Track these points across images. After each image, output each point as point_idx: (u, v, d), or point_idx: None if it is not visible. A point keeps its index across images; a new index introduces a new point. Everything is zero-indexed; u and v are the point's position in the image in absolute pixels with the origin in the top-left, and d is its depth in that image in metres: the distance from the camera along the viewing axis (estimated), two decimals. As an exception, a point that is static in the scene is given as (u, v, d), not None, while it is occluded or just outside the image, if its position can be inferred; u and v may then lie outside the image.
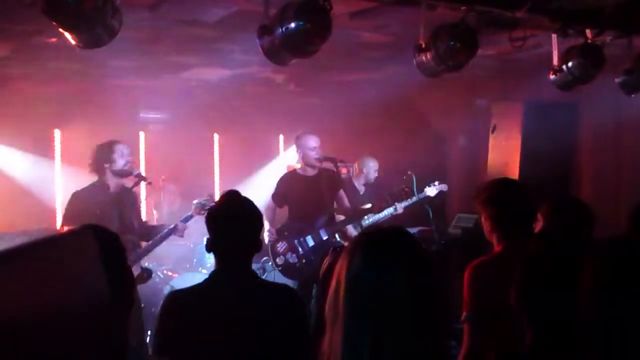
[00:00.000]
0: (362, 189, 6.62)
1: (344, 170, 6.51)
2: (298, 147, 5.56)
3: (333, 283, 1.46)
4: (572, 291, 1.70)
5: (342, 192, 5.60)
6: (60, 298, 0.71)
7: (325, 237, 5.43)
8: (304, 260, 5.40)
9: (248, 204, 2.55)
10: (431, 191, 6.19)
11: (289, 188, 5.62)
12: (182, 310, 2.41)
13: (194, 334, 2.34)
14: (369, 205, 5.88)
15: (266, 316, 2.39)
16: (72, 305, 0.74)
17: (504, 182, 3.09)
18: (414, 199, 6.07)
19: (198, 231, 7.21)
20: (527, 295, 1.76)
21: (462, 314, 2.71)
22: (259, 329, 2.37)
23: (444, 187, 6.24)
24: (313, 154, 5.42)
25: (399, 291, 1.38)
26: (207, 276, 2.53)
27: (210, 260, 6.65)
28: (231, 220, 2.48)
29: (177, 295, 2.53)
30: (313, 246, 5.40)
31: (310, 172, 5.53)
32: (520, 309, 1.77)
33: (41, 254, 0.69)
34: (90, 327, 0.80)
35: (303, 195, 5.50)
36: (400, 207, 6.02)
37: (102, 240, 1.60)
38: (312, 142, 5.45)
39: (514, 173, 5.97)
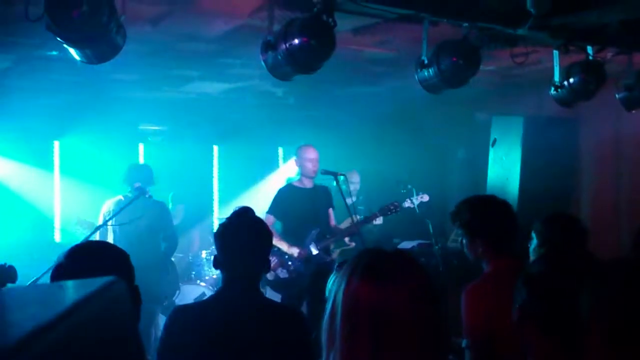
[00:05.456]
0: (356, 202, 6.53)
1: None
2: (297, 158, 5.64)
3: (330, 304, 1.43)
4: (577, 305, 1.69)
5: (331, 210, 5.72)
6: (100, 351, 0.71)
7: (315, 252, 5.48)
8: (294, 275, 5.43)
9: (257, 222, 2.54)
10: (409, 203, 6.12)
11: (288, 201, 5.61)
12: (186, 326, 2.39)
13: (196, 351, 2.32)
14: (347, 225, 5.98)
15: (270, 337, 2.36)
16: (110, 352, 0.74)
17: (482, 200, 3.06)
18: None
19: (197, 244, 7.22)
20: (532, 312, 1.75)
21: (463, 340, 2.67)
22: (262, 350, 2.34)
23: (425, 197, 6.18)
24: (310, 166, 5.49)
25: (399, 313, 1.36)
26: (205, 289, 2.53)
27: (209, 272, 6.63)
28: (239, 239, 2.46)
29: (182, 311, 2.52)
30: (303, 261, 5.44)
31: (308, 185, 5.59)
32: (525, 326, 1.76)
33: (81, 315, 0.68)
34: None
35: (301, 208, 5.50)
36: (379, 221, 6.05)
37: (116, 261, 1.64)
38: (311, 154, 5.53)
39: (514, 187, 5.97)
